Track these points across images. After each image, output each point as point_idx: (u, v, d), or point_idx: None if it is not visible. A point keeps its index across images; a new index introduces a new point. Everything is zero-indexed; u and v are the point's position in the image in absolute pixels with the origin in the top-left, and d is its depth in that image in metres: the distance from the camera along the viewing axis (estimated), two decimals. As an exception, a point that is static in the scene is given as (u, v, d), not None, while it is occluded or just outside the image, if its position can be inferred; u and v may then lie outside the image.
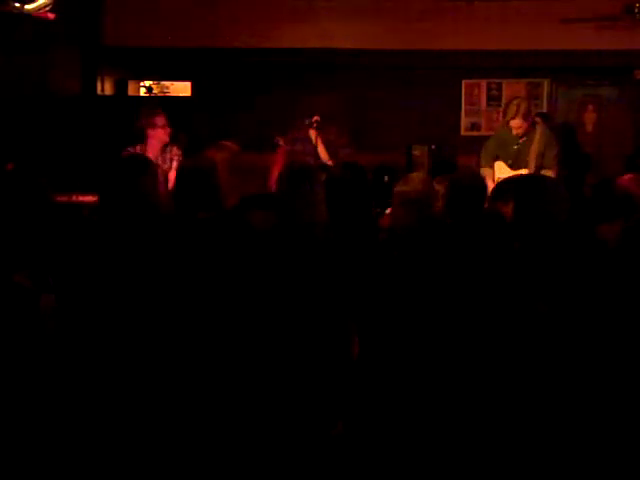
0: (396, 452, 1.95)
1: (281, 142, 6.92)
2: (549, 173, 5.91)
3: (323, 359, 1.59)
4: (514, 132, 6.18)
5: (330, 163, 6.22)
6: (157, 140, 6.02)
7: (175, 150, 6.06)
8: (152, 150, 6.02)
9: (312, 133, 6.39)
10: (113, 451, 1.84)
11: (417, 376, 2.45)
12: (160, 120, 6.04)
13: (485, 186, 4.12)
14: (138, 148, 6.06)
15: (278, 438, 1.55)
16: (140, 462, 1.82)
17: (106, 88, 8.74)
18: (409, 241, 3.30)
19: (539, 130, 6.12)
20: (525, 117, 6.11)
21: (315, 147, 6.34)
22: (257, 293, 1.85)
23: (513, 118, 6.12)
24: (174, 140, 6.21)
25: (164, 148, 6.05)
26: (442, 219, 3.85)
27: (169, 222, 3.19)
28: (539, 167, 6.03)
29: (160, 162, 5.94)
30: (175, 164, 5.95)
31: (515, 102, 6.23)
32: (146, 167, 3.46)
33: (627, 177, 4.22)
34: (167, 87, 8.84)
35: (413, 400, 2.36)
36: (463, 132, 8.87)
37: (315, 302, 1.67)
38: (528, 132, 6.15)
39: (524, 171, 6.00)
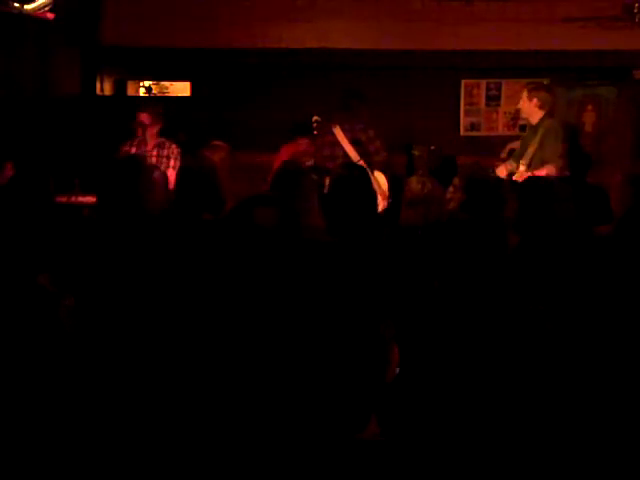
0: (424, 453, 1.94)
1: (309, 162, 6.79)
2: (549, 168, 5.79)
3: (347, 363, 1.59)
4: (518, 105, 6.10)
5: (361, 163, 6.06)
6: (148, 134, 6.02)
7: (173, 148, 6.03)
8: (146, 145, 6.02)
9: (340, 134, 6.25)
10: (134, 447, 1.85)
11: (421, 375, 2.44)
12: (143, 116, 6.04)
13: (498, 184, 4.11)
14: (133, 143, 6.07)
15: (300, 441, 1.55)
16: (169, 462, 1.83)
17: (105, 88, 8.74)
18: (413, 240, 3.30)
19: (546, 123, 6.01)
20: (530, 99, 5.98)
21: (343, 149, 6.21)
22: (270, 295, 1.85)
23: (524, 90, 6.02)
24: (173, 138, 6.20)
25: (161, 144, 6.04)
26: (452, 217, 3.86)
27: (175, 224, 3.19)
28: (539, 161, 5.91)
29: (155, 159, 5.94)
30: (173, 162, 5.94)
31: (533, 85, 6.15)
32: (141, 168, 3.46)
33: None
34: (166, 87, 8.85)
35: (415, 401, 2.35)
36: (462, 132, 8.87)
37: (334, 303, 1.67)
38: (537, 123, 6.02)
39: (522, 167, 5.90)
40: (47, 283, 2.47)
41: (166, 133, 6.21)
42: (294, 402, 1.63)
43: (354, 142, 6.27)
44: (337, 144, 6.27)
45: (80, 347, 2.22)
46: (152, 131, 6.06)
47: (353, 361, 1.58)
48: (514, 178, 5.83)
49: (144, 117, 6.04)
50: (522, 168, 5.87)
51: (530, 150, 5.97)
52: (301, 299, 1.58)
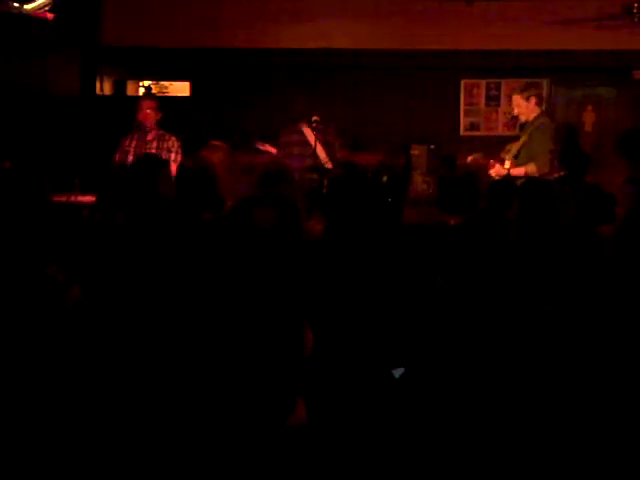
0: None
1: (260, 146, 6.85)
2: (530, 167, 5.82)
3: (273, 354, 1.67)
4: (515, 112, 6.17)
5: (329, 165, 6.13)
6: (146, 123, 6.04)
7: (174, 141, 6.06)
8: (146, 136, 6.03)
9: (310, 135, 6.30)
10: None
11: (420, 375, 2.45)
12: (146, 103, 6.13)
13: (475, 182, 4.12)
14: (134, 136, 6.09)
15: (229, 424, 1.64)
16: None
17: (105, 88, 8.74)
18: (418, 240, 3.31)
19: (538, 122, 6.04)
20: (527, 99, 6.03)
21: (313, 149, 6.24)
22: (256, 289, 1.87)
23: (516, 94, 6.08)
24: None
25: (161, 136, 6.07)
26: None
27: (177, 223, 3.21)
28: (526, 156, 5.93)
29: (155, 150, 5.96)
30: (174, 155, 5.98)
31: (531, 85, 6.20)
32: (161, 166, 3.51)
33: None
34: (166, 87, 8.85)
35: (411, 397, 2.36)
36: (462, 132, 8.87)
37: (275, 302, 1.75)
38: (531, 121, 6.06)
39: (507, 164, 5.92)
40: (56, 273, 2.52)
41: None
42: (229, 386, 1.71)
43: (325, 144, 6.32)
44: (307, 143, 6.31)
45: (85, 335, 2.27)
46: (152, 121, 6.07)
47: (275, 345, 1.67)
48: (490, 172, 5.86)
49: (148, 103, 6.12)
50: (507, 164, 5.90)
51: (515, 146, 6.01)
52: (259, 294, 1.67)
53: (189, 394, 1.81)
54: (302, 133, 6.36)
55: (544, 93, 6.19)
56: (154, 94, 6.58)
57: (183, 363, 1.89)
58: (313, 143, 6.21)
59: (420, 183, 4.06)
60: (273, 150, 6.75)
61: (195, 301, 1.78)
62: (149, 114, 6.08)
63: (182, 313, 1.81)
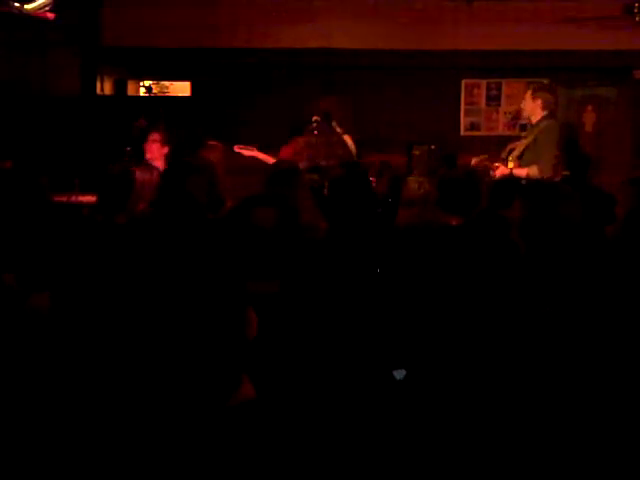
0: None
1: (240, 150, 6.81)
2: (532, 169, 5.82)
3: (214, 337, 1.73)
4: (522, 105, 6.20)
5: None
6: (151, 154, 5.95)
7: None
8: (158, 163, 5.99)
9: (340, 131, 6.42)
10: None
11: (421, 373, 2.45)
12: (153, 135, 5.92)
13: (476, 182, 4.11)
14: (141, 169, 6.03)
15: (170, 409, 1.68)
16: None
17: (105, 88, 8.74)
18: (412, 241, 3.31)
19: (543, 125, 6.03)
20: (534, 99, 6.03)
21: (338, 145, 6.36)
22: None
23: (528, 90, 6.11)
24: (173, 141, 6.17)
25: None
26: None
27: (174, 223, 3.21)
28: (530, 159, 5.92)
29: None
30: None
31: (538, 85, 6.22)
32: (196, 168, 3.54)
33: None
34: (166, 87, 8.86)
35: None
36: (463, 132, 8.87)
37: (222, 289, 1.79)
38: (536, 123, 6.06)
39: (510, 164, 5.92)
40: (13, 282, 2.51)
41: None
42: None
43: (328, 144, 6.47)
44: (342, 142, 6.42)
45: (57, 342, 2.26)
46: (157, 154, 5.96)
47: (216, 327, 1.73)
48: (494, 174, 5.86)
49: (156, 136, 5.90)
50: (510, 164, 5.90)
51: (520, 147, 6.00)
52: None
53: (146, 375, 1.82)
54: (337, 133, 6.46)
55: (552, 99, 6.13)
56: (162, 127, 6.29)
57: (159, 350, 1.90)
58: (337, 138, 6.35)
59: (413, 183, 4.06)
60: (255, 153, 6.69)
61: (193, 304, 1.79)
62: (154, 147, 5.86)
63: (178, 309, 1.82)
